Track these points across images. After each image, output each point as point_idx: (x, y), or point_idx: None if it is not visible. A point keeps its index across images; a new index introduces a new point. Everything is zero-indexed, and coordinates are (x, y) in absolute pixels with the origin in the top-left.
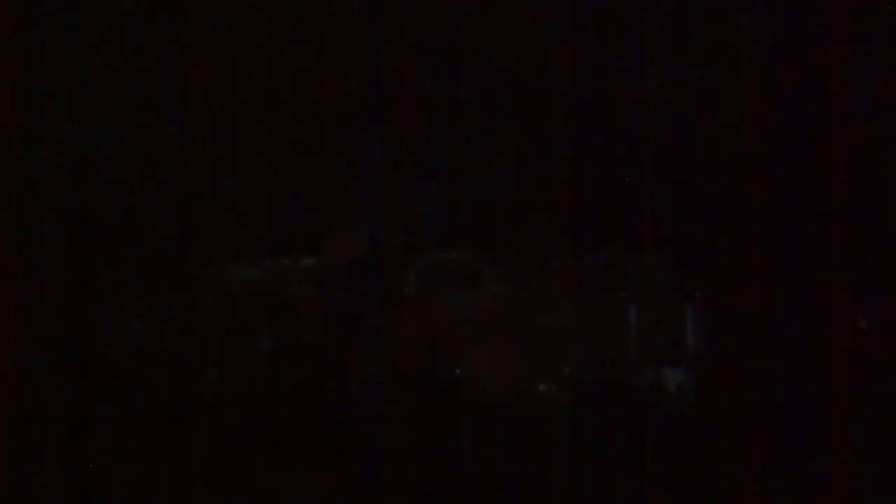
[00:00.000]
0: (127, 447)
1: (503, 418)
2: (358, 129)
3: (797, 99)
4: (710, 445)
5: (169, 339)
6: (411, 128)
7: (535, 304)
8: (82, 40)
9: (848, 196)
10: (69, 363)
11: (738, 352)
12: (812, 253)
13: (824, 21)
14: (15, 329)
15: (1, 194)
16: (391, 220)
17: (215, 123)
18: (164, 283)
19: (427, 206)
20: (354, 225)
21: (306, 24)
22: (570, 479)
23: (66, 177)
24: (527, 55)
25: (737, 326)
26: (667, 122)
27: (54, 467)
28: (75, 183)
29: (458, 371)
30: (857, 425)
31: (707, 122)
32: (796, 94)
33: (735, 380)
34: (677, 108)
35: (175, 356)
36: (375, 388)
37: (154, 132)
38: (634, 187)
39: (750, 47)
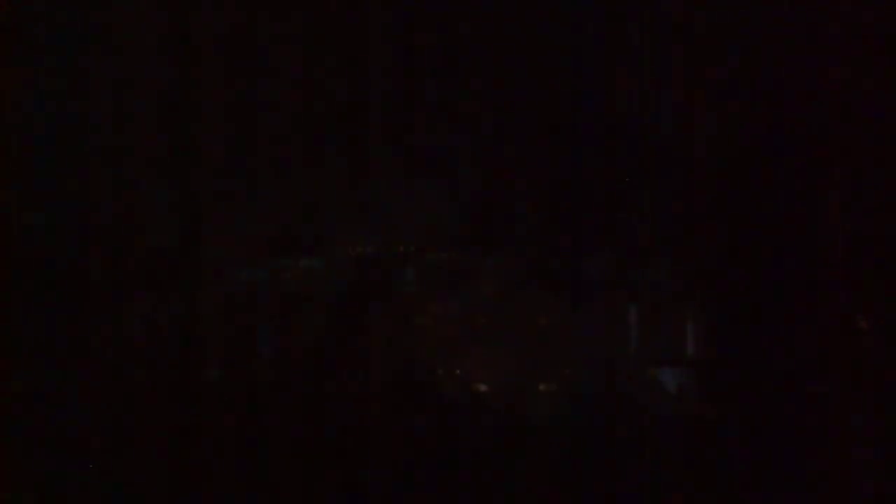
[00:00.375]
0: (126, 447)
1: (501, 419)
2: (360, 132)
3: (797, 99)
4: (711, 446)
5: (169, 338)
6: (413, 129)
7: (534, 305)
8: (82, 40)
9: (848, 196)
10: (71, 363)
11: (738, 352)
12: (812, 253)
13: (824, 21)
14: (14, 327)
15: (1, 194)
16: (392, 221)
17: (219, 124)
18: (165, 283)
19: (427, 207)
20: (355, 226)
21: (307, 25)
22: (567, 481)
23: (66, 176)
24: (525, 57)
25: (737, 327)
26: (666, 123)
27: (53, 467)
28: (76, 182)
29: (457, 371)
30: (858, 425)
31: (706, 122)
32: (796, 93)
33: (735, 380)
34: (677, 110)
35: (175, 356)
36: (372, 389)
37: (158, 133)
38: (634, 188)
39: (750, 48)
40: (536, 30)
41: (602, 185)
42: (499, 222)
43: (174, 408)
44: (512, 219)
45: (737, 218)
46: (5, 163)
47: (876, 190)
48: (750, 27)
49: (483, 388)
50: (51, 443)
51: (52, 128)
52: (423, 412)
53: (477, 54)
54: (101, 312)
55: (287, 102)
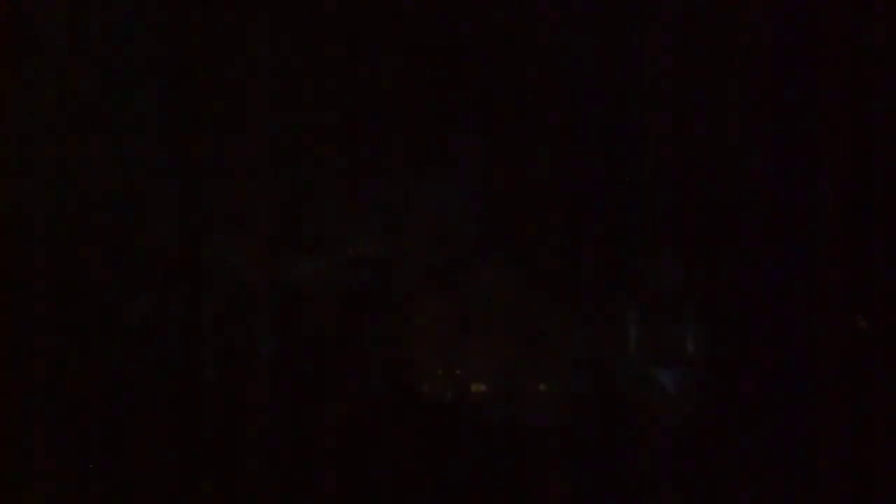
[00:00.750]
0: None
1: (500, 419)
2: (361, 133)
3: (798, 99)
4: (711, 447)
5: (170, 335)
6: (414, 131)
7: (533, 304)
8: (81, 40)
9: (848, 197)
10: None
11: (738, 352)
12: (812, 253)
13: (825, 22)
14: (16, 330)
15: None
16: (393, 222)
17: (224, 124)
18: (166, 283)
19: (428, 208)
20: (356, 226)
21: (309, 24)
22: (567, 482)
23: (67, 176)
24: (528, 59)
25: (737, 327)
26: (669, 123)
27: (54, 465)
28: (78, 183)
29: (457, 371)
30: (857, 425)
31: (708, 123)
32: (797, 94)
33: (735, 380)
34: (681, 111)
35: (175, 355)
36: (371, 388)
37: (160, 134)
38: (635, 189)
39: (752, 49)
40: (538, 32)
41: (602, 186)
42: (500, 223)
43: (174, 406)
44: (513, 220)
45: (737, 219)
46: (6, 163)
47: (876, 190)
48: (748, 28)
49: (482, 387)
50: (52, 441)
51: (53, 128)
52: (422, 411)
53: (480, 56)
54: (102, 312)
55: (289, 103)
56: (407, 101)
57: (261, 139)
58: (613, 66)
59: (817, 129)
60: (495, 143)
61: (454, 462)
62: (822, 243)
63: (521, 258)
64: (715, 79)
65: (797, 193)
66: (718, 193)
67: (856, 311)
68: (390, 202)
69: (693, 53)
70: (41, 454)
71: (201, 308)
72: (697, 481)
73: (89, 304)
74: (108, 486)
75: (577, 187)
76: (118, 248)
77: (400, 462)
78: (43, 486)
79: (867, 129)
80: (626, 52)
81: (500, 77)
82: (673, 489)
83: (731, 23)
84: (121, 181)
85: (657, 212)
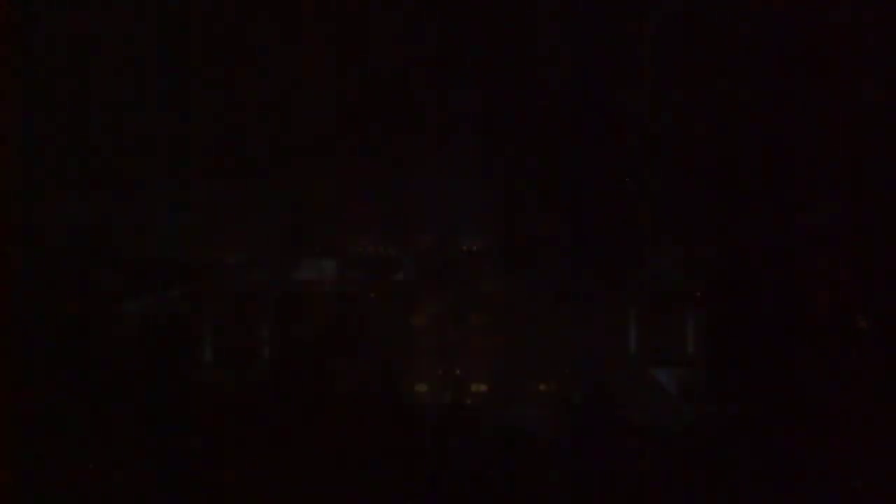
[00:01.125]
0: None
1: (500, 419)
2: (365, 133)
3: (798, 99)
4: (712, 447)
5: (169, 336)
6: (414, 132)
7: (534, 304)
8: (82, 39)
9: (848, 196)
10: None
11: (738, 352)
12: (812, 253)
13: (824, 21)
14: (16, 329)
15: (2, 196)
16: (395, 222)
17: (224, 125)
18: (168, 282)
19: (430, 208)
20: (359, 226)
21: (315, 23)
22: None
23: (68, 176)
24: (528, 56)
25: (737, 327)
26: (666, 124)
27: (55, 465)
28: (80, 182)
29: (457, 372)
30: (857, 425)
31: (709, 123)
32: (799, 94)
33: (735, 380)
34: (681, 110)
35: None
36: (370, 389)
37: (164, 133)
38: (636, 188)
39: (752, 48)
40: (539, 30)
41: (603, 186)
42: (501, 224)
43: (174, 406)
44: (514, 221)
45: (737, 219)
46: (8, 164)
47: (876, 190)
48: (749, 27)
49: (482, 387)
50: (53, 441)
51: (53, 128)
52: (420, 411)
53: (484, 56)
54: (106, 312)
55: (292, 103)
56: (408, 101)
57: (261, 140)
58: (613, 66)
59: (818, 128)
60: (495, 143)
61: (453, 462)
62: (823, 243)
63: (522, 258)
64: (715, 78)
65: (797, 193)
66: (719, 193)
67: (856, 311)
68: (391, 202)
69: (693, 52)
70: (41, 454)
71: (202, 309)
72: (697, 481)
73: (90, 304)
74: (107, 485)
75: (577, 187)
76: (122, 247)
77: (399, 462)
78: (43, 486)
79: (868, 129)
80: (626, 51)
81: (501, 76)
82: (673, 489)
83: (730, 22)
84: (127, 180)
85: (658, 212)
